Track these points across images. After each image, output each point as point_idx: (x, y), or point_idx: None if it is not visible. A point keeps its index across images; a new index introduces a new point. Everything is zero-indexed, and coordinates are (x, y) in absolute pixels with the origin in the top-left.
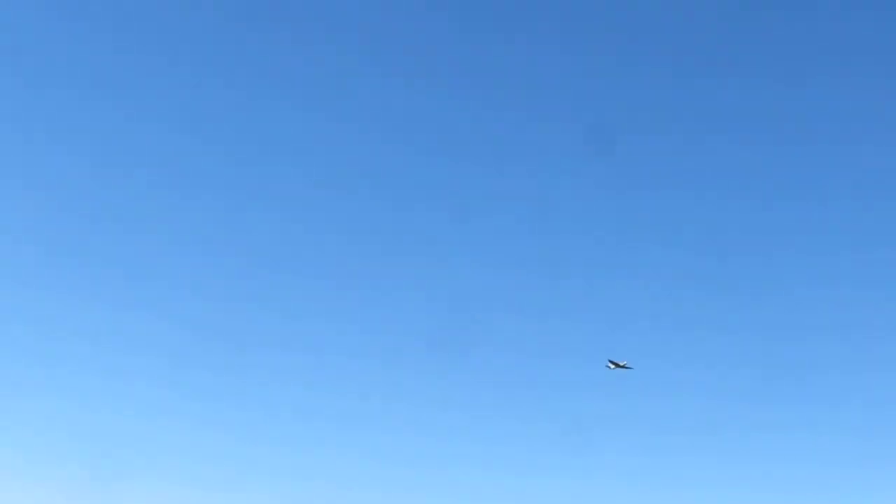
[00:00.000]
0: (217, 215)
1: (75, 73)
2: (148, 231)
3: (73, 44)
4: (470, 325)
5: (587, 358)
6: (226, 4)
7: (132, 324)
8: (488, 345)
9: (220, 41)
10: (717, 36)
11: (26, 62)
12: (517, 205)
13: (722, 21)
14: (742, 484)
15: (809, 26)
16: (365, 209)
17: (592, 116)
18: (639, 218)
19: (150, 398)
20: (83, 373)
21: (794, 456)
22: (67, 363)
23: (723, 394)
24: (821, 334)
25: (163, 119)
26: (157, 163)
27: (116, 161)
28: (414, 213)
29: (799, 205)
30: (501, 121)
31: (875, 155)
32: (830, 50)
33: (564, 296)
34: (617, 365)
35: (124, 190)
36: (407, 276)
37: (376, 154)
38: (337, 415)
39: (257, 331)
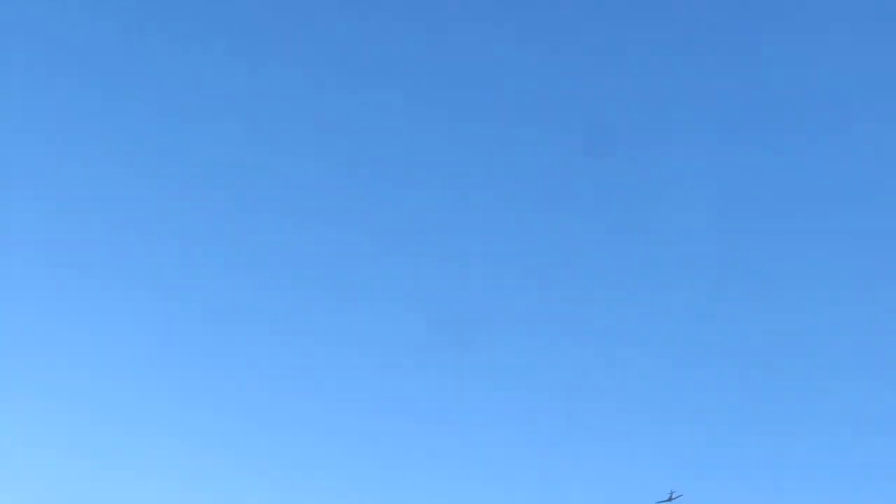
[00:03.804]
0: (211, 214)
1: (73, 71)
2: (142, 229)
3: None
4: (466, 329)
5: (585, 360)
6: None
7: (126, 320)
8: (484, 348)
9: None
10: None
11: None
12: (514, 205)
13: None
14: (741, 483)
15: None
16: (360, 210)
17: (591, 116)
18: (640, 219)
19: (143, 395)
20: (75, 371)
21: (794, 455)
22: (60, 360)
23: (724, 396)
24: (829, 337)
25: (156, 119)
26: (150, 160)
27: (109, 158)
28: (410, 214)
29: (813, 208)
30: (496, 120)
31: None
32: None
33: (562, 297)
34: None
35: (117, 187)
36: (402, 278)
37: (370, 154)
38: (332, 413)
39: (251, 330)
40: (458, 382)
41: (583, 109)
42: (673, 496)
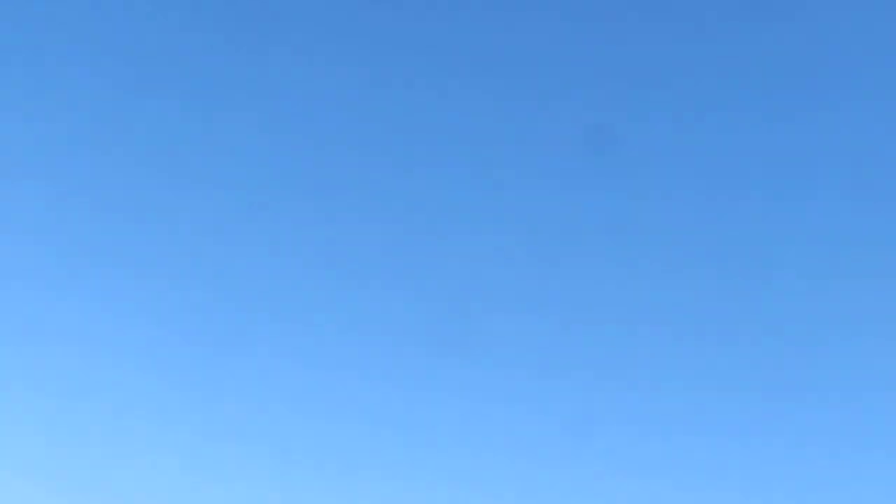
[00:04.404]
0: (210, 213)
1: (76, 65)
2: (141, 225)
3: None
4: (466, 325)
5: (585, 359)
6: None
7: (125, 321)
8: (484, 345)
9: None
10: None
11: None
12: (513, 201)
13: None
14: (741, 483)
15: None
16: (356, 208)
17: (591, 109)
18: (641, 217)
19: (142, 394)
20: (73, 369)
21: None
22: (58, 359)
23: (726, 394)
24: (832, 338)
25: (155, 115)
26: (152, 157)
27: (110, 154)
28: (407, 211)
29: (815, 203)
30: (493, 115)
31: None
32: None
33: (562, 295)
34: None
35: (118, 184)
36: (400, 276)
37: (364, 152)
38: (330, 413)
39: (248, 329)
40: (461, 368)
41: (584, 102)
42: None
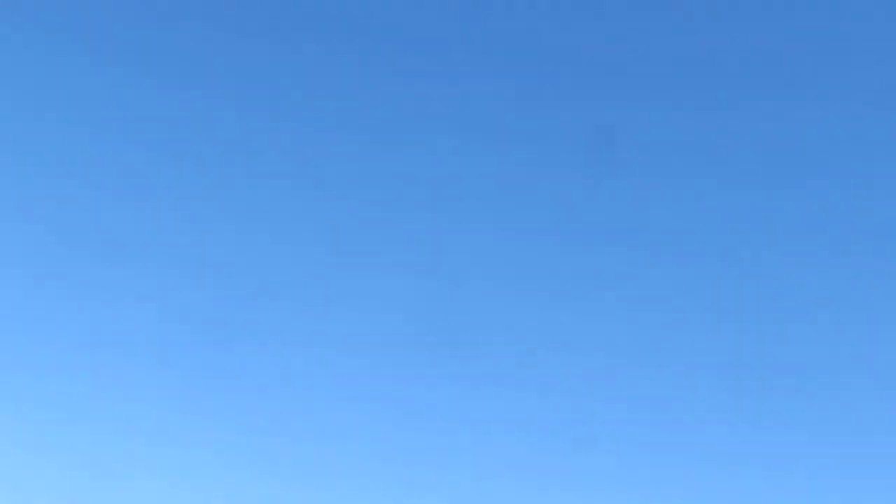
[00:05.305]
0: (208, 210)
1: (68, 66)
2: (138, 220)
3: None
4: (470, 317)
5: (590, 356)
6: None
7: (122, 316)
8: (485, 341)
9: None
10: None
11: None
12: (516, 195)
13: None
14: (744, 483)
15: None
16: (356, 206)
17: (593, 108)
18: (642, 211)
19: (138, 393)
20: (71, 368)
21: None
22: (55, 358)
23: (729, 393)
24: (835, 339)
25: (156, 111)
26: (147, 152)
27: (105, 148)
28: (407, 209)
29: (817, 201)
30: (498, 111)
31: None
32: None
33: (564, 287)
34: None
35: (113, 180)
36: (400, 273)
37: (364, 150)
38: (331, 412)
39: (246, 324)
40: (456, 383)
41: (587, 101)
42: None
